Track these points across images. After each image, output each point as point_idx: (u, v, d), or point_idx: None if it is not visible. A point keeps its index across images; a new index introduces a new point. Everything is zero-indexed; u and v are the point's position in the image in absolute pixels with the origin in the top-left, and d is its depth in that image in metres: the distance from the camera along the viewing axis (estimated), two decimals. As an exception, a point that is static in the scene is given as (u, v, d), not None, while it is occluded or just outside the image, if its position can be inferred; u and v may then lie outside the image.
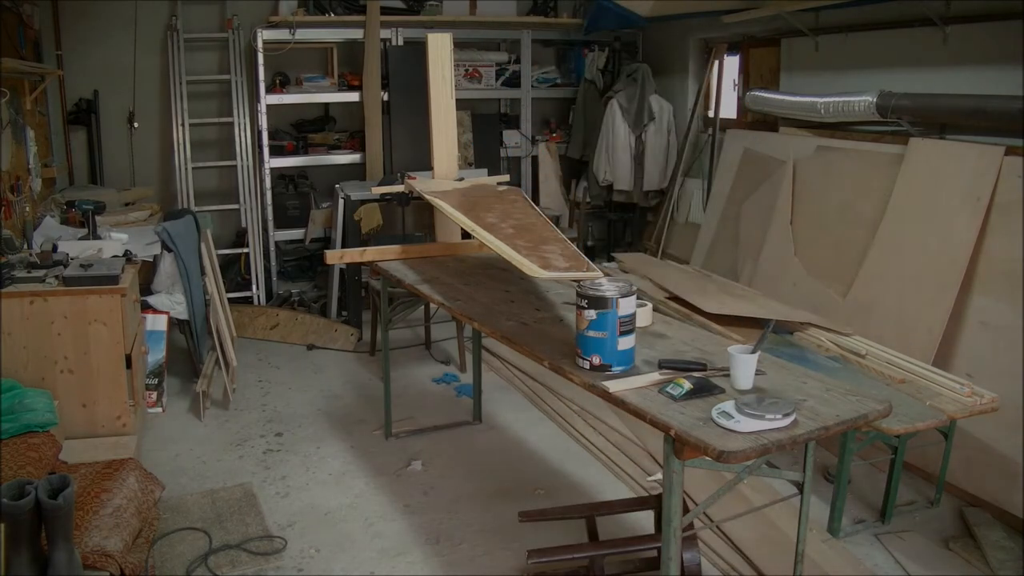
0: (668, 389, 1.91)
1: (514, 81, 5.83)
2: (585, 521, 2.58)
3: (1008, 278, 3.10)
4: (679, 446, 1.77)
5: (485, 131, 5.88)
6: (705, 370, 2.02)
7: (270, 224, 5.32)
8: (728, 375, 1.98)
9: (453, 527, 2.89)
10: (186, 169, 5.18)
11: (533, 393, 4.08)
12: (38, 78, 4.46)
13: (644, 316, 2.49)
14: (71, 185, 5.18)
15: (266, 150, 5.17)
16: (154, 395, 3.78)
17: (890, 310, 3.48)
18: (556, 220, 5.64)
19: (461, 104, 5.22)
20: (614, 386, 1.96)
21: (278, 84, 5.26)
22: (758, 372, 1.95)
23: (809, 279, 4.02)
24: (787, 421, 1.75)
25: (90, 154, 5.29)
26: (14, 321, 2.99)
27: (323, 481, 3.24)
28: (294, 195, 5.46)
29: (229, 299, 4.50)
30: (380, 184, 4.60)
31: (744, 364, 1.89)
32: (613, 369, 2.02)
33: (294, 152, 5.38)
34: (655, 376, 2.00)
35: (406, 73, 5.26)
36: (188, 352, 4.16)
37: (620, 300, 1.98)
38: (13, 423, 2.74)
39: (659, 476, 3.10)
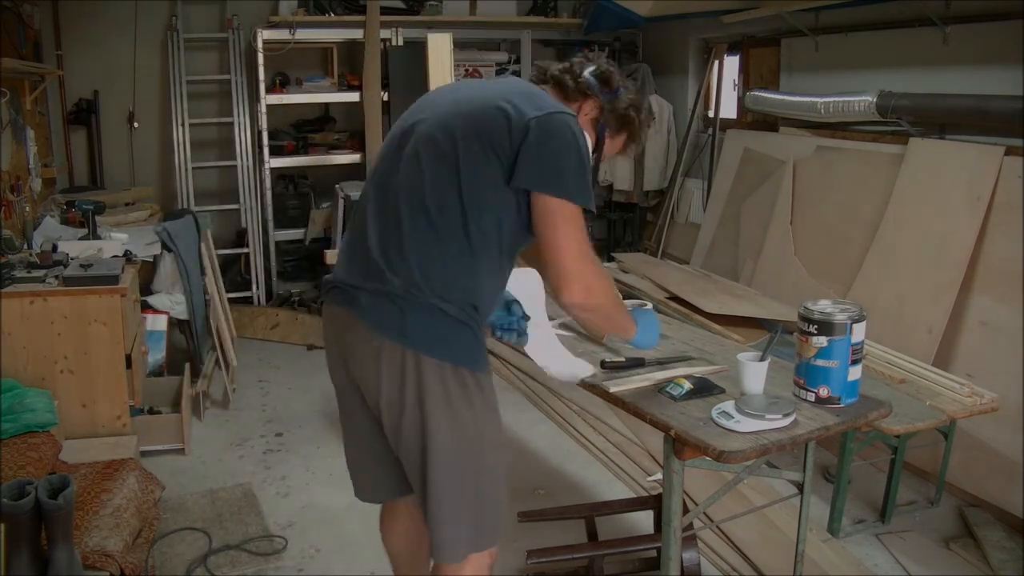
0: (668, 389, 1.91)
1: (514, 81, 5.82)
2: (584, 521, 2.58)
3: (1008, 278, 3.10)
4: (679, 446, 1.77)
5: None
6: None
7: (270, 224, 5.32)
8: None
9: (453, 527, 2.89)
10: (186, 169, 5.18)
11: (533, 393, 4.08)
12: (38, 78, 4.46)
13: (644, 316, 2.49)
14: (71, 185, 5.18)
15: (266, 150, 5.17)
16: (154, 395, 3.78)
17: (890, 310, 3.48)
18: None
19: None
20: (614, 386, 1.96)
21: (278, 84, 5.26)
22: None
23: (809, 279, 4.02)
24: (787, 421, 1.75)
25: (90, 154, 5.29)
26: (14, 321, 2.99)
27: (323, 481, 3.23)
28: (294, 195, 5.46)
29: (229, 299, 4.50)
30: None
31: (754, 372, 1.89)
32: (842, 403, 1.86)
33: (294, 152, 5.38)
34: (655, 376, 2.00)
35: (406, 73, 5.25)
36: (188, 352, 4.16)
37: (854, 326, 1.82)
38: (13, 423, 2.74)
39: (659, 476, 3.10)
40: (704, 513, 2.76)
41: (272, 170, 5.25)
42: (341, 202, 4.85)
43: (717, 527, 2.74)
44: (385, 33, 5.28)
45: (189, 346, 4.10)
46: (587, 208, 1.66)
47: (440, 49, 4.35)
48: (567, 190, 1.62)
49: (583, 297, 1.68)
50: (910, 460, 3.11)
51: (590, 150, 1.76)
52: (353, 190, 4.84)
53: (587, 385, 2.02)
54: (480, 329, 1.72)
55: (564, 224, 1.63)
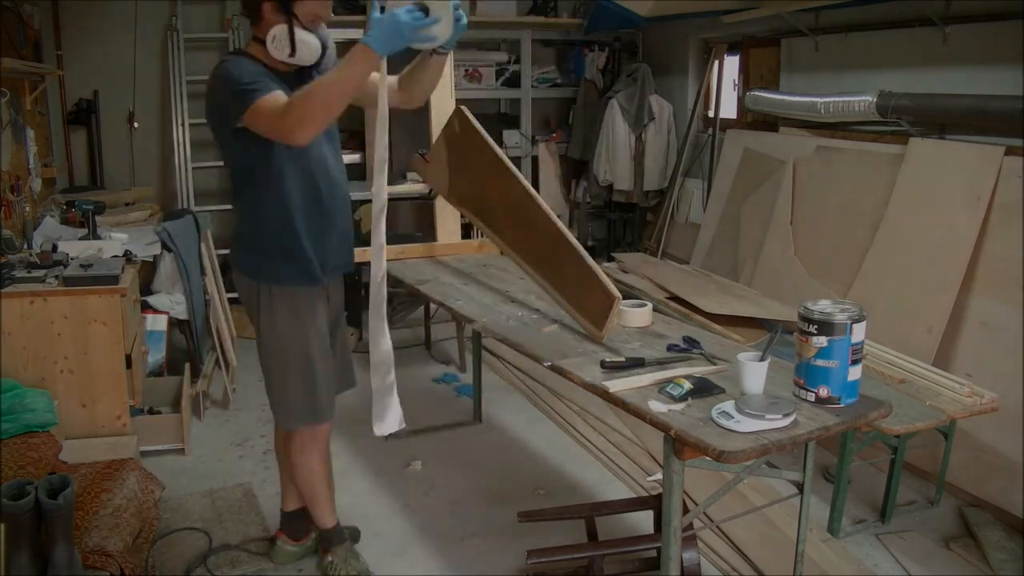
0: (668, 389, 1.91)
1: (514, 81, 5.82)
2: (584, 521, 2.58)
3: (1008, 278, 3.10)
4: (679, 446, 1.77)
5: (485, 131, 5.87)
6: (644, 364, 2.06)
7: (270, 224, 5.31)
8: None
9: (453, 527, 2.89)
10: (186, 169, 5.17)
11: (533, 393, 4.08)
12: (38, 78, 4.46)
13: (644, 316, 2.49)
14: (71, 185, 5.18)
15: (266, 150, 5.16)
16: (154, 395, 3.78)
17: (890, 310, 3.48)
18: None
19: (461, 104, 5.22)
20: (614, 386, 1.96)
21: (278, 84, 5.25)
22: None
23: (809, 279, 4.02)
24: (787, 421, 1.75)
25: (90, 154, 5.29)
26: (14, 321, 2.99)
27: (323, 481, 3.23)
28: (294, 195, 5.45)
29: (229, 299, 4.50)
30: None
31: (754, 372, 1.89)
32: (842, 403, 1.86)
33: (294, 152, 5.37)
34: (655, 376, 2.00)
35: (406, 73, 5.23)
36: (188, 352, 4.16)
37: (854, 326, 1.83)
38: (13, 423, 2.74)
39: (659, 476, 3.10)
40: (704, 513, 2.76)
41: (272, 170, 5.24)
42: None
43: (717, 527, 2.74)
44: (385, 33, 5.26)
45: (189, 346, 4.10)
46: (249, 102, 2.03)
47: (440, 49, 4.34)
48: (233, 109, 2.08)
49: (300, 126, 2.01)
50: (910, 460, 3.11)
51: (288, 35, 2.19)
52: (353, 190, 4.82)
53: (587, 385, 2.02)
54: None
55: (255, 121, 2.08)
